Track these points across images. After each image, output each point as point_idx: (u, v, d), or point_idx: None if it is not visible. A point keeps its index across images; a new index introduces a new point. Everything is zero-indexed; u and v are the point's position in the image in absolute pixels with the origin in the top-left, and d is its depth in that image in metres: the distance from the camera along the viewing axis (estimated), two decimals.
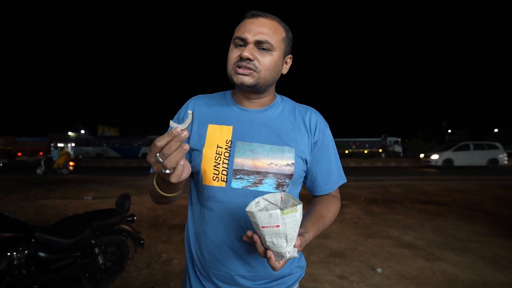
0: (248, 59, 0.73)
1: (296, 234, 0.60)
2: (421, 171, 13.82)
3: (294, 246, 0.60)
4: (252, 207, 0.65)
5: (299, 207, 0.58)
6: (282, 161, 0.78)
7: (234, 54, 0.76)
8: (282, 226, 0.56)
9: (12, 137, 25.72)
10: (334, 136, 0.92)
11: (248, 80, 0.75)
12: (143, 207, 4.97)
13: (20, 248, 1.74)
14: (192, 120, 0.58)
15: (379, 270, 2.65)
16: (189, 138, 0.82)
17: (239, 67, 0.75)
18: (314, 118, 0.85)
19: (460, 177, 10.00)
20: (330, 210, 0.83)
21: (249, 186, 0.76)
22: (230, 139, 0.79)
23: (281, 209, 0.67)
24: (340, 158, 0.92)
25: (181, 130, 0.53)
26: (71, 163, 11.74)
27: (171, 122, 0.56)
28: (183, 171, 0.57)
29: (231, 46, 0.78)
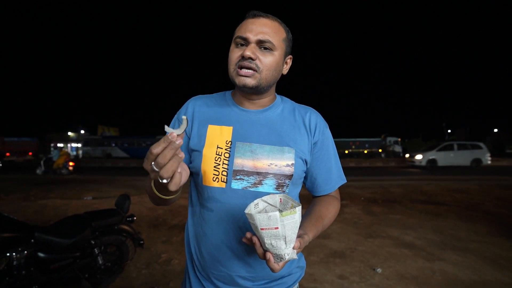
0: (250, 58, 0.73)
1: (295, 236, 0.59)
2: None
3: (293, 248, 0.60)
4: (251, 209, 0.64)
5: (298, 209, 0.58)
6: (282, 162, 0.78)
7: (235, 54, 0.76)
8: (281, 228, 0.56)
9: (0, 137, 25.71)
10: (334, 136, 0.92)
11: (250, 81, 0.74)
12: (143, 207, 4.97)
13: (20, 248, 1.73)
14: (187, 125, 0.57)
15: (379, 270, 2.65)
16: (189, 138, 0.82)
17: (241, 68, 0.74)
18: (314, 118, 0.85)
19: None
20: (329, 210, 0.83)
21: (249, 186, 0.76)
22: (230, 140, 0.79)
23: (280, 211, 0.67)
24: (340, 158, 0.92)
25: (177, 135, 0.52)
26: (70, 163, 11.75)
27: (166, 127, 0.55)
28: (181, 178, 0.56)
29: (232, 46, 0.77)
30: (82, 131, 32.86)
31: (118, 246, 2.39)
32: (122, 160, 21.12)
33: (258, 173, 0.77)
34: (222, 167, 0.77)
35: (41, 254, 1.82)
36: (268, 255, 0.60)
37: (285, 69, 0.84)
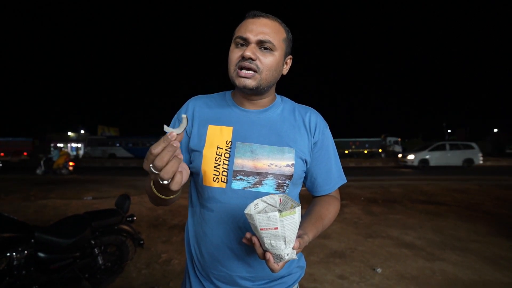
0: (250, 58, 0.73)
1: (295, 236, 0.59)
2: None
3: (293, 248, 0.60)
4: (250, 209, 0.64)
5: (298, 209, 0.58)
6: (282, 162, 0.78)
7: (235, 54, 0.75)
8: (281, 228, 0.56)
9: None
10: (334, 136, 0.92)
11: (250, 83, 0.74)
12: (143, 207, 4.97)
13: (20, 249, 1.73)
14: (187, 124, 0.57)
15: (379, 270, 2.65)
16: (189, 138, 0.82)
17: (241, 69, 0.74)
18: (314, 118, 0.85)
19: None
20: (329, 211, 0.83)
21: (249, 187, 0.76)
22: (230, 140, 0.79)
23: (280, 211, 0.67)
24: (340, 158, 0.92)
25: (177, 134, 0.52)
26: (70, 163, 11.75)
27: (165, 127, 0.54)
28: (182, 178, 0.56)
29: (232, 46, 0.77)
30: (82, 131, 32.85)
31: (118, 246, 2.39)
32: (122, 160, 21.12)
33: (258, 173, 0.77)
34: (222, 167, 0.77)
35: (41, 254, 1.82)
36: (268, 255, 0.60)
37: (285, 69, 0.84)
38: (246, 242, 0.63)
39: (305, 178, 0.87)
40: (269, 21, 0.76)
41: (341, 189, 0.94)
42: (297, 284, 0.87)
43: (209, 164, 0.77)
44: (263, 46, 0.74)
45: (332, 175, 0.87)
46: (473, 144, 14.71)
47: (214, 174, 0.77)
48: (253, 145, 0.78)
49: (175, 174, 0.54)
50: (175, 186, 0.55)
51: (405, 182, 8.62)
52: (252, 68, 0.74)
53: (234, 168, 0.77)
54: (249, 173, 0.77)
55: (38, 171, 11.39)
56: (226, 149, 0.78)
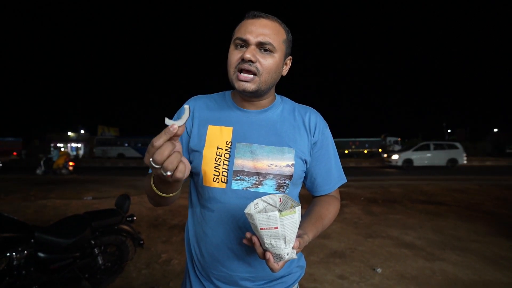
0: (250, 61, 0.72)
1: (295, 235, 0.59)
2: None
3: (293, 248, 0.60)
4: (250, 208, 0.64)
5: (298, 209, 0.58)
6: (282, 162, 0.78)
7: (235, 56, 0.75)
8: (281, 227, 0.56)
9: None
10: (334, 136, 0.92)
11: (249, 86, 0.74)
12: (142, 207, 4.97)
13: (20, 249, 1.73)
14: (189, 115, 0.55)
15: (379, 270, 2.65)
16: (190, 137, 0.82)
17: (241, 71, 0.74)
18: (313, 118, 0.85)
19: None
20: (329, 210, 0.83)
21: (249, 187, 0.76)
22: (230, 140, 0.79)
23: (280, 210, 0.67)
24: (340, 158, 0.92)
25: (179, 126, 0.51)
26: (70, 163, 11.75)
27: (166, 119, 0.52)
28: (185, 167, 0.55)
29: (231, 47, 0.76)
30: (82, 131, 32.84)
31: (118, 246, 2.39)
32: (122, 160, 21.11)
33: (258, 174, 0.77)
34: (223, 168, 0.77)
35: (41, 254, 1.82)
36: (268, 254, 0.60)
37: (285, 70, 0.83)
38: (247, 243, 0.63)
39: (305, 178, 0.87)
40: (269, 22, 0.75)
41: (341, 189, 0.94)
42: (297, 283, 0.87)
43: (209, 165, 0.77)
44: (263, 48, 0.73)
45: (332, 175, 0.87)
46: (457, 144, 14.82)
47: (214, 175, 0.77)
48: (253, 145, 0.78)
49: (178, 164, 0.53)
50: (179, 174, 0.53)
51: (405, 182, 8.62)
52: (251, 71, 0.73)
53: (234, 169, 0.77)
54: (249, 174, 0.77)
55: (38, 171, 11.39)
56: (226, 150, 0.78)
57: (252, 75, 0.73)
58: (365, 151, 27.53)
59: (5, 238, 1.71)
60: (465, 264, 2.79)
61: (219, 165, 0.77)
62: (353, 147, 28.05)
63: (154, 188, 0.65)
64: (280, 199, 0.70)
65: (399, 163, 14.41)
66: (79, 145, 30.90)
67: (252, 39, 0.72)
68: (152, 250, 3.13)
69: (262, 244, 0.60)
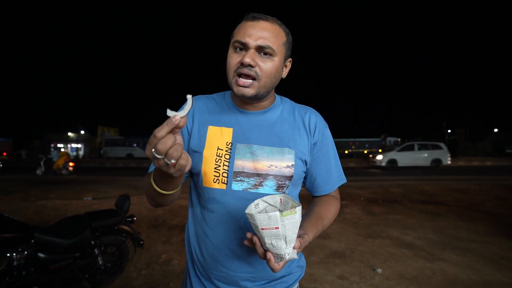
0: (250, 65, 0.71)
1: (296, 235, 0.60)
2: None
3: (294, 248, 0.60)
4: (251, 209, 0.64)
5: (298, 209, 0.58)
6: (282, 163, 0.78)
7: (234, 59, 0.73)
8: (281, 228, 0.56)
9: None
10: (334, 136, 0.92)
11: (248, 91, 0.73)
12: (143, 208, 4.97)
13: (20, 249, 1.73)
14: (192, 106, 0.54)
15: (379, 270, 2.65)
16: (190, 136, 0.82)
17: (240, 75, 0.73)
18: (313, 118, 0.85)
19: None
20: (329, 211, 0.83)
21: (250, 188, 0.76)
22: (230, 141, 0.79)
23: (280, 211, 0.67)
24: (340, 158, 0.92)
25: (181, 117, 0.50)
26: (70, 164, 11.75)
27: (168, 111, 0.51)
28: (188, 157, 0.54)
29: (231, 50, 0.75)
30: (82, 132, 32.84)
31: (118, 246, 2.39)
32: (122, 160, 21.10)
33: (258, 175, 0.77)
34: (223, 169, 0.77)
35: (41, 255, 1.82)
36: (269, 255, 0.60)
37: (285, 73, 0.83)
38: (248, 244, 0.63)
39: (305, 178, 0.87)
40: (269, 24, 0.74)
41: (341, 189, 0.94)
42: (297, 283, 0.87)
43: (209, 165, 0.77)
44: (263, 51, 0.72)
45: (332, 175, 0.87)
46: (441, 145, 14.84)
47: (214, 176, 0.77)
48: (253, 146, 0.78)
49: (182, 153, 0.52)
50: (183, 161, 0.53)
51: (405, 182, 8.62)
52: (251, 75, 0.72)
53: (234, 170, 0.77)
54: (249, 174, 0.77)
55: (38, 172, 11.39)
56: (226, 150, 0.78)
57: (251, 80, 0.73)
58: (365, 151, 27.53)
59: (5, 239, 1.71)
60: (465, 264, 2.79)
61: (219, 166, 0.77)
62: (353, 147, 28.06)
63: (154, 186, 0.64)
64: (280, 199, 0.70)
65: (383, 164, 14.44)
66: (79, 145, 30.92)
67: (252, 42, 0.71)
68: (152, 250, 3.13)
69: (263, 244, 0.60)
